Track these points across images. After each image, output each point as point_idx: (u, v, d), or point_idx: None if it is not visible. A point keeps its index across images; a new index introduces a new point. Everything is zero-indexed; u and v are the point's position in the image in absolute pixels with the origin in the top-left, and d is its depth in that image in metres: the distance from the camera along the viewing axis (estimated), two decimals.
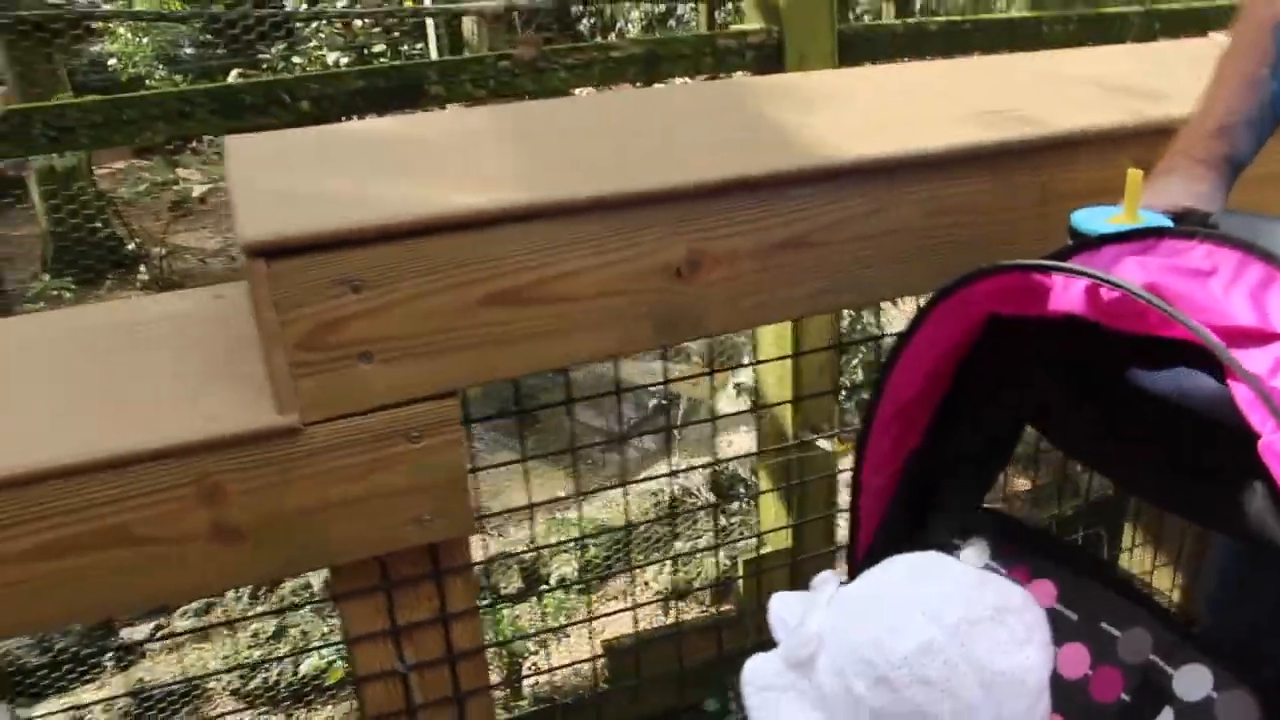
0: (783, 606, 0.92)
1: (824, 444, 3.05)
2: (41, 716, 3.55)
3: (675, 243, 1.19)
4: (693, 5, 14.10)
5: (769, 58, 2.79)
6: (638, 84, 2.81)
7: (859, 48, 3.06)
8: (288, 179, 1.15)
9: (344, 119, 2.29)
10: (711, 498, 4.14)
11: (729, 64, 2.74)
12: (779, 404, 3.06)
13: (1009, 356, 1.07)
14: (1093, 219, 1.11)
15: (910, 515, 1.14)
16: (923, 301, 1.05)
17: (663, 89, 2.54)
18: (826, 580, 0.93)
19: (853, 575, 0.96)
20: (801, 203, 1.26)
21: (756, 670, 0.90)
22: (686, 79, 2.85)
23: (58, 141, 2.20)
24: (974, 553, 0.99)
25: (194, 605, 4.23)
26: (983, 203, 1.37)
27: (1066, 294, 0.90)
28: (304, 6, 10.35)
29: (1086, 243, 1.00)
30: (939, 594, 0.85)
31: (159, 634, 4.08)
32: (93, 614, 1.18)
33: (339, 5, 10.13)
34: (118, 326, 1.25)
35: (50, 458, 1.03)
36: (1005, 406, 1.14)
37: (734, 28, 2.92)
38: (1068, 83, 1.68)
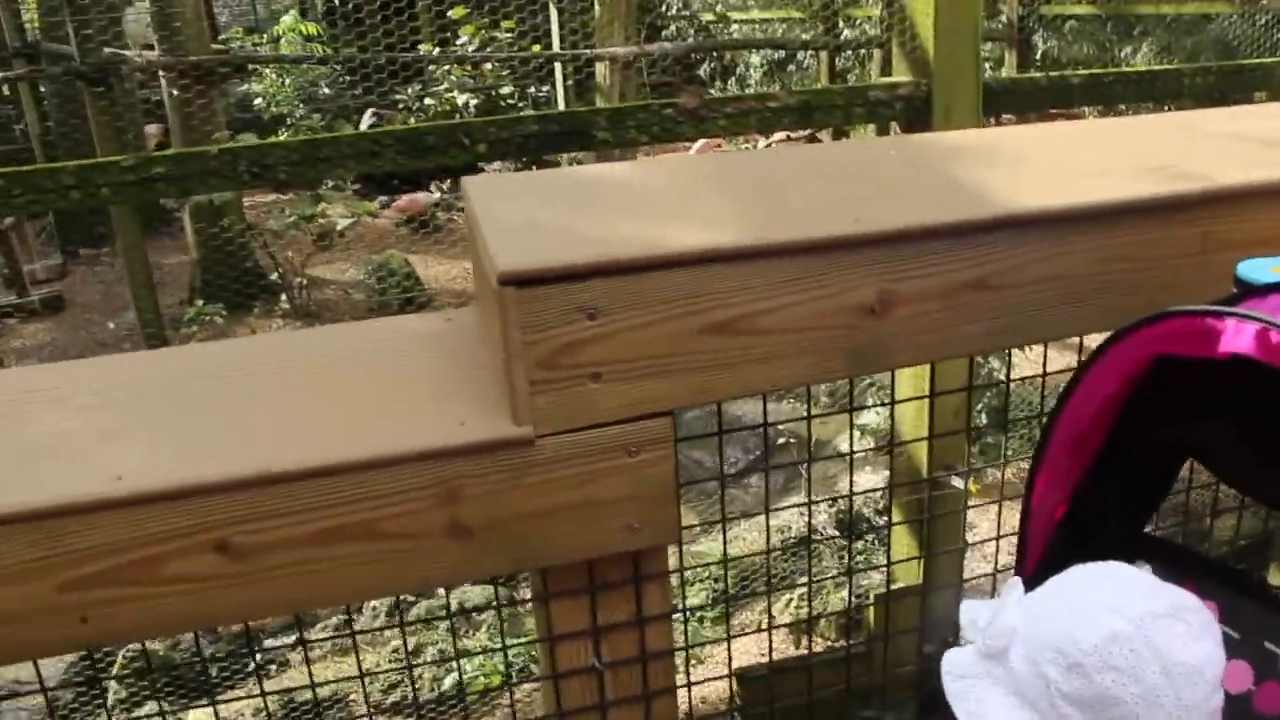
0: (972, 609, 1.02)
1: (956, 482, 3.10)
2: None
3: (869, 283, 1.29)
4: (812, 53, 14.24)
5: (917, 109, 2.89)
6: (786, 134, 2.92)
7: (1003, 99, 3.14)
8: (525, 216, 1.29)
9: (518, 160, 2.44)
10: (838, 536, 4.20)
11: (879, 114, 2.85)
12: (913, 441, 3.13)
13: (1175, 393, 1.15)
14: (1258, 269, 1.18)
15: (1077, 538, 1.22)
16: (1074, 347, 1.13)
17: (841, 144, 2.65)
18: (1014, 585, 1.03)
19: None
20: (984, 248, 1.35)
21: (955, 661, 1.00)
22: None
23: (260, 177, 2.40)
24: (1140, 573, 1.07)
25: (332, 620, 4.42)
26: (1148, 251, 1.45)
27: (1237, 337, 0.98)
28: (436, 50, 10.75)
29: (1254, 290, 1.07)
30: (1122, 592, 0.97)
31: (299, 645, 4.25)
32: (342, 599, 1.32)
33: (470, 49, 10.50)
34: (368, 343, 1.40)
35: (311, 460, 1.17)
36: (1169, 439, 1.22)
37: (884, 79, 3.03)
38: (1223, 139, 1.75)
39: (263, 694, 1.53)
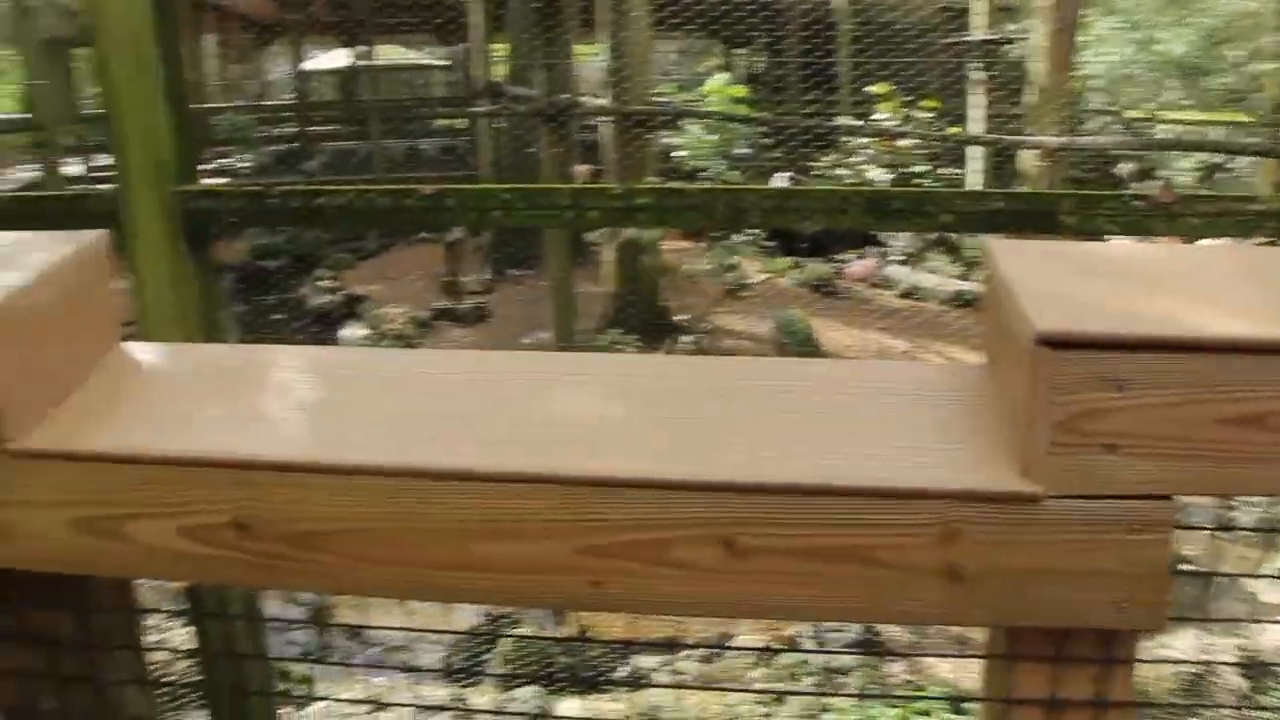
0: None
1: None
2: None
3: None
4: (1255, 159, 13.25)
5: None
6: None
7: None
8: (1051, 282, 1.33)
9: (972, 234, 2.47)
10: (1242, 683, 3.87)
11: None
12: None
13: None
14: None
15: None
16: None
17: None
18: None
19: None
20: None
21: None
22: None
23: (733, 220, 2.57)
24: None
25: (699, 652, 4.58)
26: None
27: None
28: (859, 123, 10.93)
29: None
30: None
31: (666, 667, 4.45)
32: (828, 615, 1.40)
33: (888, 125, 10.61)
34: (872, 381, 1.49)
35: (823, 478, 1.26)
36: None
37: None
38: None
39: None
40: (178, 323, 2.86)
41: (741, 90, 11.23)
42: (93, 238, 1.71)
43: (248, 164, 16.36)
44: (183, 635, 4.35)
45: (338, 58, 20.76)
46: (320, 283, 10.63)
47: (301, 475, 1.39)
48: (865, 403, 1.43)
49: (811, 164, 10.45)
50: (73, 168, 14.41)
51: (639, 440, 1.42)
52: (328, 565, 1.41)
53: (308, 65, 21.37)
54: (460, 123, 16.47)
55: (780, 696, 3.91)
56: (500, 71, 12.42)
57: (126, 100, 2.57)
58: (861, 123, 10.35)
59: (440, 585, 1.41)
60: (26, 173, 14.41)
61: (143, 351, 1.74)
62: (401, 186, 2.61)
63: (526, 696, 4.21)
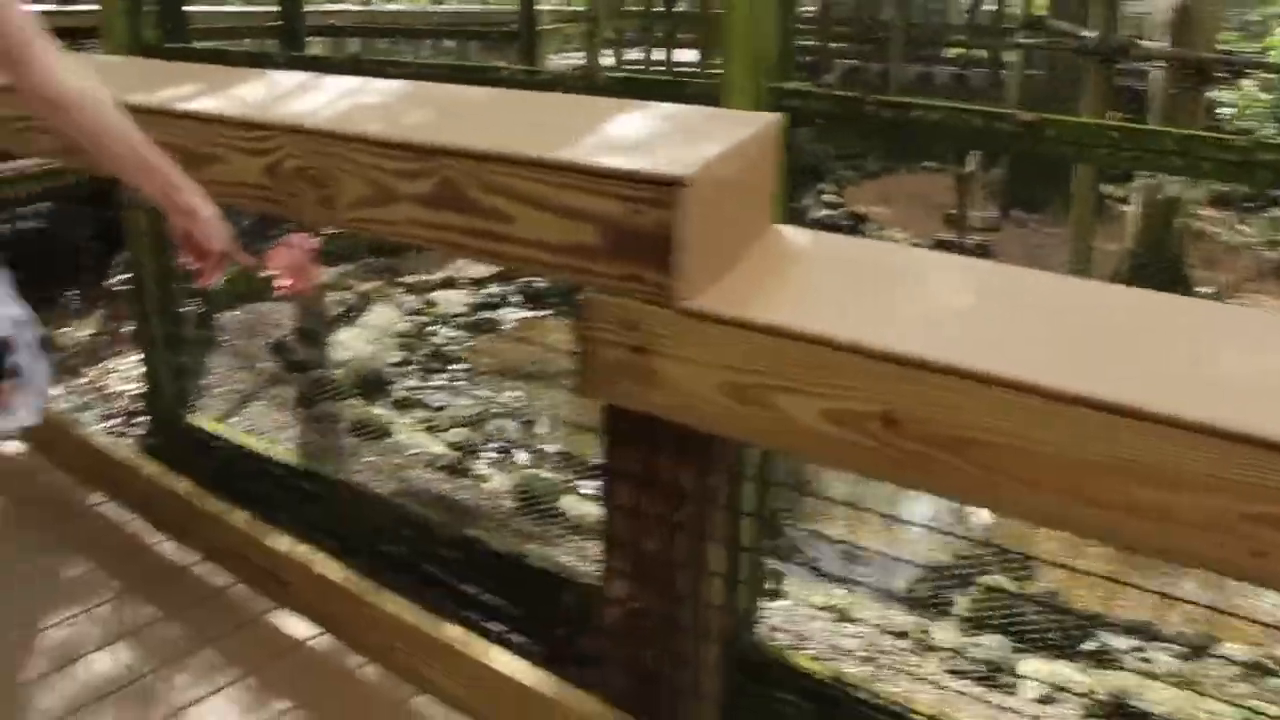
0: None
1: None
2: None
3: None
4: None
5: None
6: None
7: None
8: None
9: None
10: None
11: None
12: None
13: None
14: None
15: None
16: None
17: None
18: None
19: None
20: None
21: None
22: None
23: None
24: None
25: (1179, 648, 4.24)
26: None
27: None
28: None
29: None
30: None
31: (1137, 653, 4.20)
32: None
33: None
34: None
35: None
36: None
37: None
38: None
39: None
40: None
41: None
42: (768, 120, 1.82)
43: None
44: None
45: None
46: (824, 196, 10.76)
47: (963, 381, 1.39)
48: None
49: None
50: (606, 59, 15.43)
51: None
52: (970, 474, 1.42)
53: None
54: (977, 53, 15.92)
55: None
56: (1039, 4, 11.85)
57: None
58: None
59: (1084, 521, 1.38)
60: (568, 60, 15.54)
61: (794, 234, 1.84)
62: (998, 110, 2.57)
63: (991, 644, 4.14)
